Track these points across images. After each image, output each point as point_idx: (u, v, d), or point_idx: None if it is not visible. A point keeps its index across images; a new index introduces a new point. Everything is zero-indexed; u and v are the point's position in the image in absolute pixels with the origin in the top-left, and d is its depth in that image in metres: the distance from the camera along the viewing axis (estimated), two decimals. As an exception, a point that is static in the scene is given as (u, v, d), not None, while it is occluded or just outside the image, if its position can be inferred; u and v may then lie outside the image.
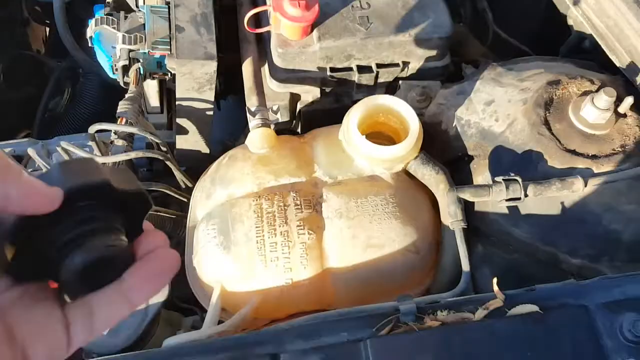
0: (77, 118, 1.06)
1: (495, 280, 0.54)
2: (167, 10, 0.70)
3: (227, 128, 0.98)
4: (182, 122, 0.74)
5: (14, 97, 1.11)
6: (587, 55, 0.78)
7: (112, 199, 0.27)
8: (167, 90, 0.82)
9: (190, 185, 0.76)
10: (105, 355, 0.57)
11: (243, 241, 0.59)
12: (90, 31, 0.76)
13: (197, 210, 0.66)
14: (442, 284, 0.64)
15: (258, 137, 0.64)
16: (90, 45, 0.78)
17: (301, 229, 0.59)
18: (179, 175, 0.73)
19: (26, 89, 1.15)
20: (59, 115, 1.11)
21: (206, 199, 0.64)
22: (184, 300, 0.78)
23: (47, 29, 1.26)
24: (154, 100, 0.79)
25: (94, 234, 0.26)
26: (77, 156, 0.71)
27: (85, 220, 0.26)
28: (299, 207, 0.60)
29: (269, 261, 0.58)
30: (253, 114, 0.65)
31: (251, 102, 0.67)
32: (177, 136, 0.77)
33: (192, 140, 0.77)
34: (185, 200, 0.72)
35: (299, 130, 0.80)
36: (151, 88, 0.77)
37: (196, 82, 0.68)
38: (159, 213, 0.73)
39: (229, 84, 0.85)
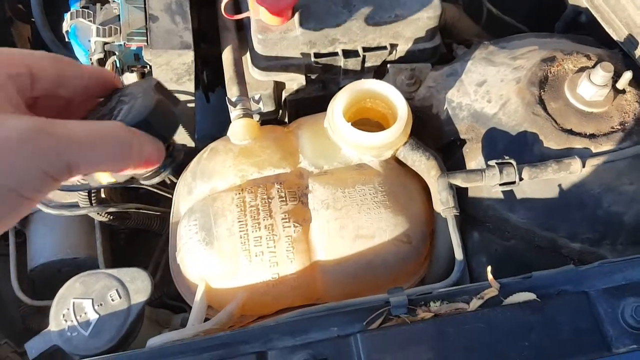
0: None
1: (489, 268, 0.51)
2: (142, 0, 0.67)
3: (216, 122, 0.95)
4: (164, 115, 0.71)
5: None
6: (584, 30, 0.75)
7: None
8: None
9: (175, 181, 0.73)
10: (88, 357, 0.56)
11: (226, 236, 0.56)
12: (66, 25, 0.73)
13: (180, 206, 0.64)
14: (437, 273, 0.62)
15: (240, 128, 0.61)
16: (67, 40, 0.75)
17: (286, 222, 0.57)
18: (162, 171, 0.71)
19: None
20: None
21: (188, 194, 0.62)
22: (173, 298, 0.76)
23: (31, 27, 1.23)
24: (135, 94, 0.76)
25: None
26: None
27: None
28: (284, 199, 0.58)
29: (254, 256, 0.56)
30: (234, 105, 0.63)
31: (232, 92, 0.64)
32: (160, 130, 0.74)
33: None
34: (171, 196, 0.70)
35: (286, 119, 0.78)
36: (131, 81, 0.74)
37: (174, 73, 0.65)
38: (143, 211, 0.71)
39: (217, 75, 0.82)
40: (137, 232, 0.81)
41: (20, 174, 0.27)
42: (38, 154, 0.28)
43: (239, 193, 0.58)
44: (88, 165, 0.30)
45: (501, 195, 0.59)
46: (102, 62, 0.69)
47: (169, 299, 0.75)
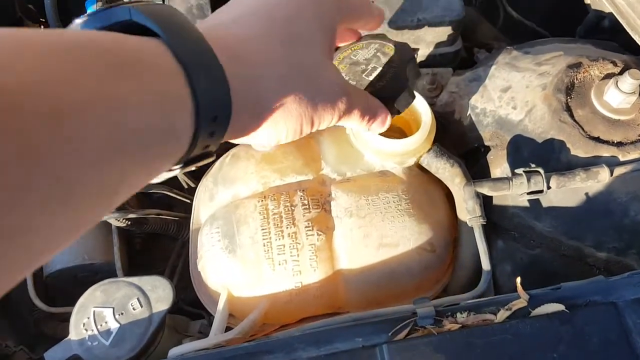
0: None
1: (518, 279, 0.51)
2: (161, 3, 0.66)
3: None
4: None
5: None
6: (606, 35, 0.74)
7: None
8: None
9: (192, 185, 0.73)
10: (109, 367, 0.55)
11: (249, 244, 0.55)
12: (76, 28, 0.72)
13: (200, 212, 0.63)
14: (461, 281, 0.61)
15: (261, 134, 0.60)
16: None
17: (310, 230, 0.56)
18: (181, 176, 0.70)
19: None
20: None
21: (209, 200, 0.61)
22: (191, 304, 0.76)
23: (42, 27, 1.23)
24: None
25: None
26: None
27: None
28: (307, 206, 0.57)
29: (277, 264, 0.55)
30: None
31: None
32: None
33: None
34: (189, 201, 0.69)
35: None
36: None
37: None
38: (161, 216, 0.70)
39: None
40: (153, 236, 0.81)
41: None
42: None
43: (262, 200, 0.57)
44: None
45: (527, 204, 0.58)
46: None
47: (186, 304, 0.75)
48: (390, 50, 0.44)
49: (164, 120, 0.26)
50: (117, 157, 0.24)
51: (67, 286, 0.78)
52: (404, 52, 0.44)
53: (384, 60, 0.43)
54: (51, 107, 0.21)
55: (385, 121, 0.42)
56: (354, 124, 0.40)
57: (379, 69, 0.42)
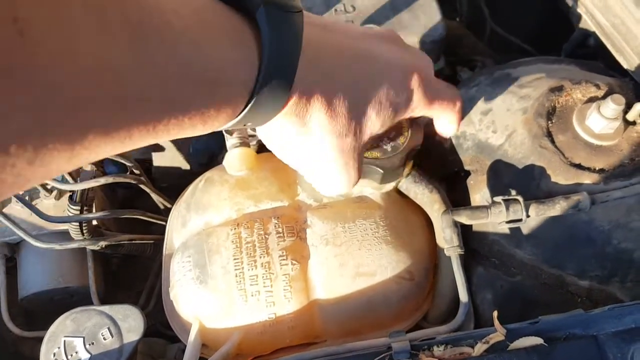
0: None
1: (495, 313, 0.49)
2: None
3: (213, 137, 0.93)
4: (158, 140, 0.69)
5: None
6: (592, 52, 0.73)
7: None
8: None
9: (169, 205, 0.71)
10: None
11: (221, 274, 0.54)
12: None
13: (173, 237, 0.61)
14: (441, 309, 0.60)
15: (236, 158, 0.59)
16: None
17: (284, 259, 0.55)
18: (156, 198, 0.69)
19: None
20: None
21: (182, 226, 0.60)
22: (168, 326, 0.74)
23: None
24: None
25: None
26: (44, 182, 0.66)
27: None
28: (281, 234, 0.56)
29: (250, 296, 0.53)
30: (230, 133, 0.60)
31: (228, 119, 0.62)
32: (154, 153, 0.72)
33: (169, 157, 0.72)
34: (164, 223, 0.68)
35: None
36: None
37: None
38: (134, 241, 0.69)
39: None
40: (131, 256, 0.79)
41: None
42: None
43: (235, 228, 0.56)
44: None
45: (507, 231, 0.57)
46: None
47: (163, 327, 0.73)
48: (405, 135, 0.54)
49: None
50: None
51: (44, 308, 0.76)
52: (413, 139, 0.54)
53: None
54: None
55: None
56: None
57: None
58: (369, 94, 0.39)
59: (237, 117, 0.32)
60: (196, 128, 0.29)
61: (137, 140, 0.26)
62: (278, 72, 0.31)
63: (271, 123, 0.35)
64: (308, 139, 0.38)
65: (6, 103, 0.19)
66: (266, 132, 0.38)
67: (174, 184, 0.74)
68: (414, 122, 0.55)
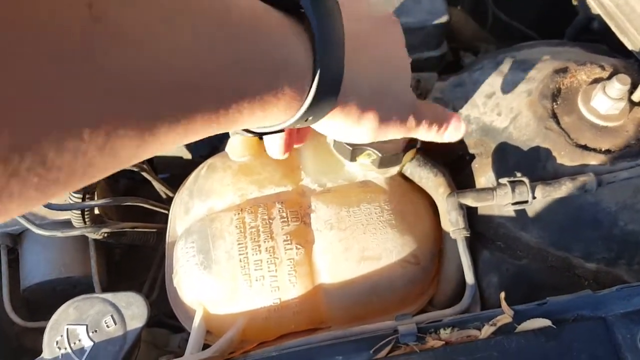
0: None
1: (502, 295, 0.49)
2: None
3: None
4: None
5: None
6: (596, 36, 0.72)
7: None
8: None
9: (172, 195, 0.71)
10: (82, 388, 0.53)
11: (224, 259, 0.53)
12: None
13: (176, 225, 0.61)
14: (447, 294, 0.59)
15: (238, 144, 0.58)
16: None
17: (288, 244, 0.54)
18: (158, 186, 0.68)
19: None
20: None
21: (185, 213, 0.59)
22: (171, 316, 0.74)
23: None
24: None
25: None
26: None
27: None
28: (285, 219, 0.55)
29: (254, 280, 0.53)
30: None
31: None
32: (156, 143, 0.71)
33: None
34: (167, 212, 0.67)
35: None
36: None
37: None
38: (136, 229, 0.68)
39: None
40: (134, 246, 0.78)
41: None
42: None
43: (239, 213, 0.55)
44: None
45: (513, 214, 0.56)
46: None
47: (166, 317, 0.73)
48: None
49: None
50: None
51: (46, 299, 0.76)
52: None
53: None
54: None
55: (459, 127, 0.44)
56: (423, 136, 0.42)
57: None
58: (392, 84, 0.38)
59: (301, 105, 0.31)
60: (255, 115, 0.29)
61: (200, 130, 0.26)
62: (332, 60, 0.31)
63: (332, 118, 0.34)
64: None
65: (83, 88, 0.19)
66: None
67: (176, 174, 0.74)
68: None
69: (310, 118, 0.32)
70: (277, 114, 0.30)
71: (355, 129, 0.35)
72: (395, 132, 0.38)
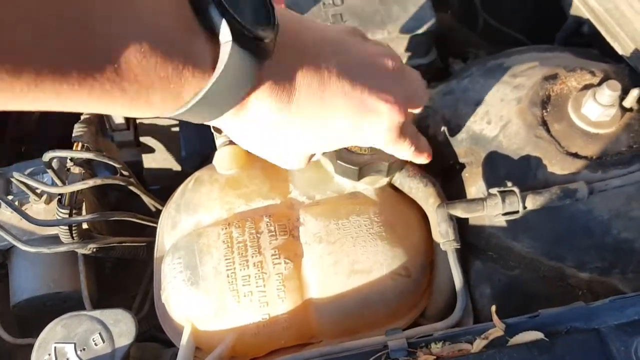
0: (47, 138, 1.00)
1: (493, 308, 0.48)
2: None
3: (205, 138, 0.92)
4: (147, 140, 0.68)
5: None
6: (586, 40, 0.71)
7: None
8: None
9: (161, 207, 0.70)
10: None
11: (212, 275, 0.53)
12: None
13: (164, 239, 0.60)
14: (439, 306, 0.58)
15: (225, 157, 0.58)
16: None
17: (276, 258, 0.53)
18: (147, 200, 0.68)
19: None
20: (29, 134, 1.05)
21: (172, 228, 0.58)
22: (162, 330, 0.73)
23: None
24: (118, 117, 0.73)
25: None
26: (33, 186, 0.65)
27: None
28: (273, 233, 0.54)
29: (242, 296, 0.52)
30: (219, 131, 0.59)
31: (217, 117, 0.60)
32: (144, 155, 0.71)
33: (160, 159, 0.71)
34: (156, 225, 0.67)
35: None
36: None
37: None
38: (125, 244, 0.67)
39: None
40: (125, 260, 0.78)
41: None
42: None
43: (226, 228, 0.55)
44: None
45: (504, 224, 0.56)
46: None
47: (158, 331, 0.72)
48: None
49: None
50: None
51: (37, 315, 0.75)
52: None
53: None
54: None
55: (429, 154, 0.49)
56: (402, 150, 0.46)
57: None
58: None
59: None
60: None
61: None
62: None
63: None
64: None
65: None
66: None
67: (167, 186, 0.73)
68: None
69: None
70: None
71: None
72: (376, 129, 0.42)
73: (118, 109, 0.30)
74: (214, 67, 0.31)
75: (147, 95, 0.30)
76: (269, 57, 0.33)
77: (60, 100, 0.26)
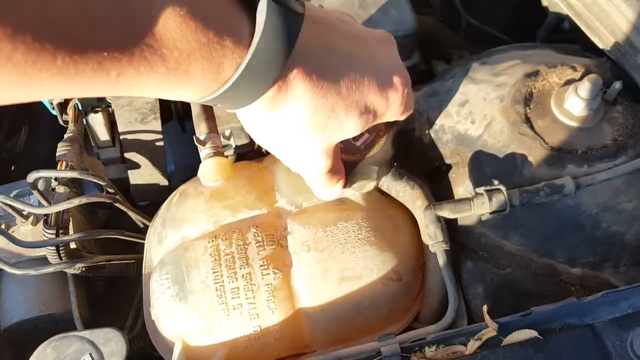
0: (36, 157, 0.99)
1: (485, 307, 0.48)
2: None
3: (195, 151, 0.91)
4: (132, 156, 0.68)
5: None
6: (568, 36, 0.72)
7: None
8: (116, 122, 0.75)
9: (148, 224, 0.69)
10: None
11: (200, 290, 0.52)
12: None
13: (152, 255, 0.60)
14: (432, 309, 0.58)
15: (210, 169, 0.57)
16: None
17: (265, 269, 0.53)
18: (134, 216, 0.67)
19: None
20: (18, 154, 1.04)
21: (158, 243, 0.58)
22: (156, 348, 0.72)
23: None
24: (102, 134, 0.72)
25: None
26: (19, 208, 0.65)
27: None
28: (261, 243, 0.54)
29: (232, 309, 0.52)
30: (203, 143, 0.59)
31: (200, 129, 0.60)
32: (130, 171, 0.70)
33: (146, 174, 0.70)
34: (144, 242, 0.66)
35: (264, 149, 0.74)
36: (97, 122, 0.70)
37: (138, 113, 0.61)
38: (113, 262, 0.67)
39: (190, 105, 0.79)
40: (116, 278, 0.77)
41: None
42: None
43: (212, 240, 0.54)
44: None
45: (493, 223, 0.55)
46: (63, 106, 0.66)
47: (151, 349, 0.71)
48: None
49: None
50: None
51: (29, 338, 0.74)
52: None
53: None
54: None
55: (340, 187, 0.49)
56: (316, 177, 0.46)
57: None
58: (352, 95, 0.40)
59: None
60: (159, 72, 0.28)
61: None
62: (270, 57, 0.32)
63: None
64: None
65: None
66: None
67: (156, 202, 0.73)
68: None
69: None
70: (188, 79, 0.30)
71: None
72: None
73: (155, 85, 0.29)
74: (250, 41, 0.31)
75: (187, 65, 0.29)
76: (300, 30, 0.34)
77: (100, 74, 0.26)
